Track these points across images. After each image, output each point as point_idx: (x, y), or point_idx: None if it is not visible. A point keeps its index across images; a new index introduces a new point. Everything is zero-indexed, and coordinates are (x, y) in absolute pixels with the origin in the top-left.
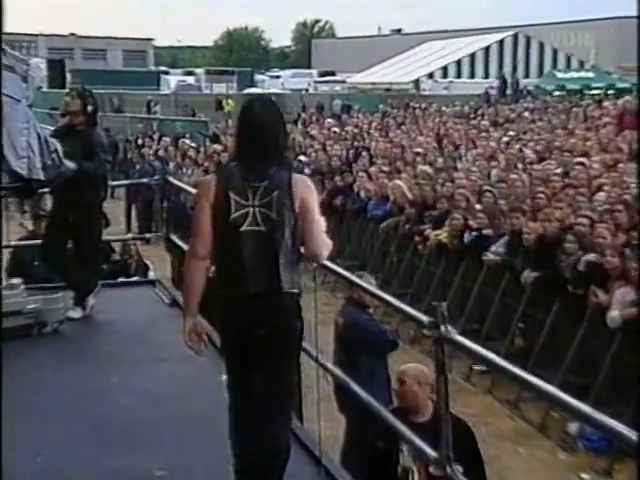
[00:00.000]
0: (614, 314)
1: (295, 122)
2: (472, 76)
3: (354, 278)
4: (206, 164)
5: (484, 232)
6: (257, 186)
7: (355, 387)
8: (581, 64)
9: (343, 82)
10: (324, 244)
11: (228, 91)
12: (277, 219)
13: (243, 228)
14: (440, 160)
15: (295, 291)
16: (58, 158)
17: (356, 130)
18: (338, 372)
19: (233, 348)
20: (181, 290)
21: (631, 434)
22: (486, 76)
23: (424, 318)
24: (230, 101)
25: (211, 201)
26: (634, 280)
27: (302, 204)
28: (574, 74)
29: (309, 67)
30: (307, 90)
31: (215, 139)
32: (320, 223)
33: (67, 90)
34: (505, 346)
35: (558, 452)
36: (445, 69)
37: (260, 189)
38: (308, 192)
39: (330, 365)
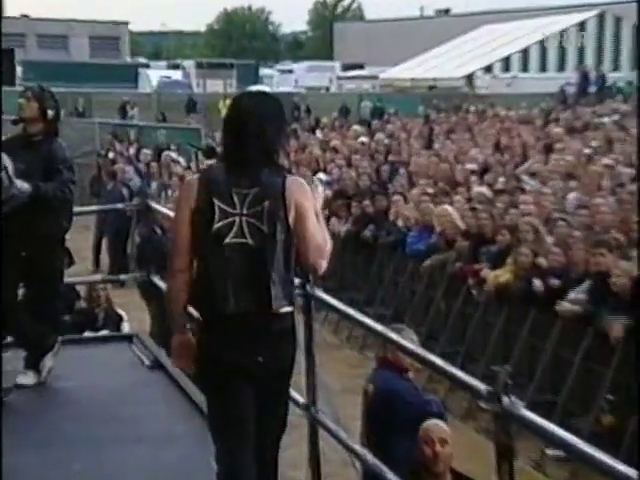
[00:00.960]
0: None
1: (312, 130)
2: (543, 69)
3: (389, 332)
4: None
5: (558, 273)
6: (245, 193)
7: (391, 476)
8: None
9: (374, 78)
10: (322, 253)
11: (226, 90)
12: (268, 232)
13: (227, 240)
14: (501, 180)
15: (289, 309)
16: (8, 178)
17: (391, 140)
18: (369, 456)
19: (219, 382)
20: (167, 308)
21: None
22: (561, 69)
23: (481, 386)
24: (229, 102)
25: (192, 206)
26: None
27: (297, 212)
28: None
29: (330, 59)
30: (328, 89)
31: (209, 152)
32: (317, 230)
33: (18, 89)
34: (589, 424)
35: None
36: (507, 61)
37: (249, 196)
38: (303, 197)
39: (358, 447)
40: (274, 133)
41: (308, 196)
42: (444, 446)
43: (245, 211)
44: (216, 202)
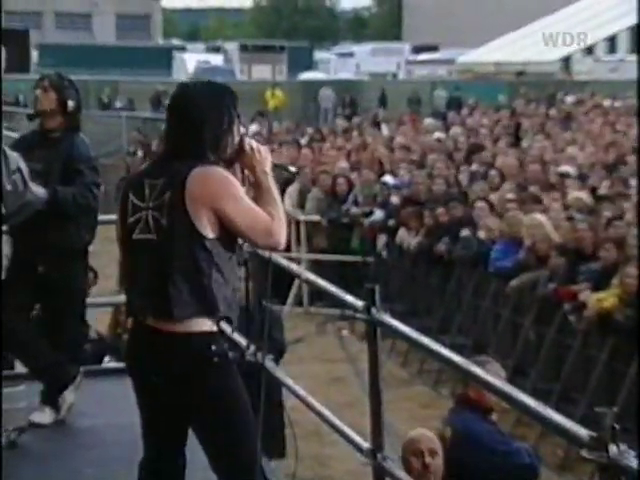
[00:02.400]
0: None
1: (376, 124)
2: None
3: (469, 365)
4: (244, 187)
5: None
6: (154, 184)
7: None
8: None
9: (450, 62)
10: (266, 232)
11: (275, 77)
12: (166, 225)
13: (134, 236)
14: (605, 184)
15: (203, 323)
16: (22, 181)
17: (471, 137)
18: None
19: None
20: None
21: None
22: None
23: (582, 432)
24: (278, 92)
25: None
26: None
27: (207, 204)
28: None
29: (399, 39)
30: (395, 75)
31: None
32: (243, 213)
33: (34, 77)
34: None
35: None
36: (613, 41)
37: (156, 187)
38: (204, 186)
39: None
40: (208, 125)
41: (214, 184)
42: (434, 457)
43: (151, 204)
44: (130, 195)
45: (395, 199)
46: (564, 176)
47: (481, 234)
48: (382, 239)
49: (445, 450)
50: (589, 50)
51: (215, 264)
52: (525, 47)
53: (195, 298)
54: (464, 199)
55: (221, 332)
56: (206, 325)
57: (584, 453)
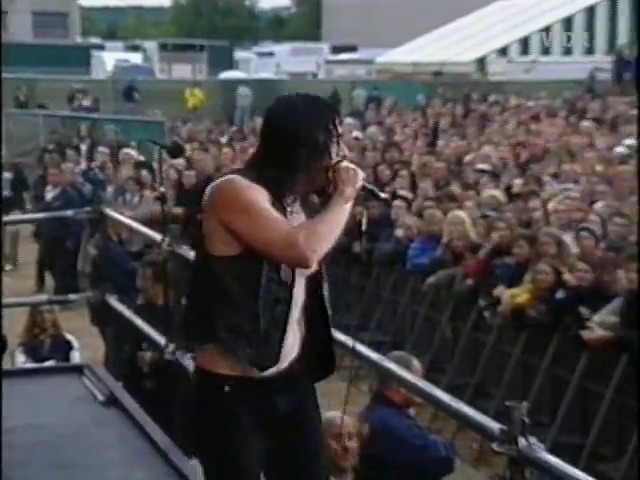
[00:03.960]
0: None
1: None
2: (567, 52)
3: (386, 362)
4: (162, 188)
5: (585, 293)
6: None
7: None
8: None
9: (369, 62)
10: (288, 245)
11: (195, 76)
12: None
13: None
14: (518, 182)
15: (202, 359)
16: None
17: (389, 136)
18: None
19: None
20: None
21: None
22: (590, 52)
23: (493, 426)
24: (197, 91)
25: None
26: None
27: (213, 216)
28: None
29: (318, 39)
30: (315, 75)
31: (175, 151)
32: (262, 227)
33: None
34: (622, 471)
35: None
36: (526, 42)
37: None
38: (213, 197)
39: None
40: (305, 145)
41: (226, 195)
42: (353, 440)
43: None
44: None
45: (315, 197)
46: (479, 174)
47: (399, 232)
48: None
49: (362, 447)
50: (503, 51)
51: (218, 286)
52: (442, 48)
53: (196, 324)
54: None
55: (236, 378)
56: (209, 361)
57: (495, 446)
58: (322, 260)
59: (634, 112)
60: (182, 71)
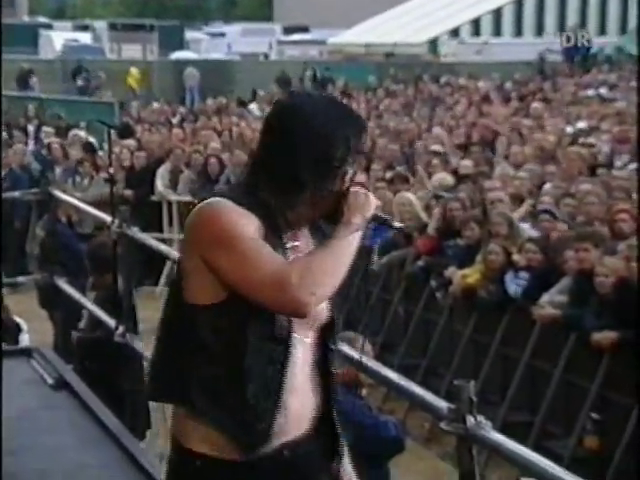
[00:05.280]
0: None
1: (242, 104)
2: (519, 34)
3: (338, 343)
4: (111, 170)
5: (536, 273)
6: None
7: None
8: None
9: (321, 43)
10: (278, 284)
11: (145, 56)
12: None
13: None
14: (468, 163)
15: (180, 435)
16: None
17: None
18: None
19: None
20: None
21: None
22: (540, 33)
23: (442, 405)
24: (134, 71)
25: None
26: None
27: (192, 251)
28: None
29: (269, 20)
30: (267, 55)
31: (125, 132)
32: (253, 260)
33: None
34: (571, 448)
35: None
36: (477, 23)
37: None
38: (192, 229)
39: None
40: (263, 150)
41: (206, 226)
42: None
43: None
44: None
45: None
46: (430, 156)
47: None
48: None
49: None
50: (454, 32)
51: (195, 338)
52: (393, 29)
53: (164, 378)
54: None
55: (219, 460)
56: (182, 427)
57: (443, 425)
58: (332, 306)
59: (584, 93)
60: (132, 51)
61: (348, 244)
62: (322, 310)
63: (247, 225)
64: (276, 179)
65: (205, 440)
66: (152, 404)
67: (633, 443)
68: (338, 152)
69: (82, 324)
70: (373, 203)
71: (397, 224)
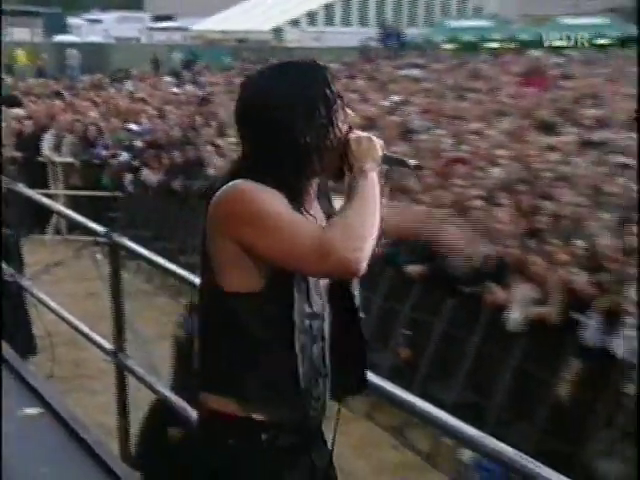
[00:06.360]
0: (514, 316)
1: (119, 80)
2: (347, 24)
3: (195, 279)
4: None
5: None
6: None
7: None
8: (476, 11)
9: (185, 30)
10: (320, 251)
11: (33, 39)
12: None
13: None
14: None
15: (217, 404)
16: None
17: (202, 91)
18: (173, 398)
19: None
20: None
21: (532, 464)
22: (363, 24)
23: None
24: (20, 51)
25: None
26: (536, 275)
27: (221, 236)
28: (469, 23)
29: (140, 9)
30: (138, 40)
31: (12, 102)
32: (288, 229)
33: None
34: (389, 359)
35: None
36: (313, 15)
37: None
38: (217, 212)
39: (166, 391)
40: (303, 128)
41: (231, 206)
42: None
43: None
44: None
45: (139, 143)
46: None
47: (210, 171)
48: (128, 177)
49: (179, 351)
50: (295, 22)
51: (241, 327)
52: (246, 19)
53: (215, 371)
54: (196, 143)
55: (274, 424)
56: (236, 407)
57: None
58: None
59: (399, 73)
60: (22, 34)
61: (372, 191)
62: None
63: (277, 199)
64: (281, 158)
65: (266, 413)
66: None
67: (436, 353)
68: (321, 109)
69: None
70: (378, 144)
71: (412, 161)
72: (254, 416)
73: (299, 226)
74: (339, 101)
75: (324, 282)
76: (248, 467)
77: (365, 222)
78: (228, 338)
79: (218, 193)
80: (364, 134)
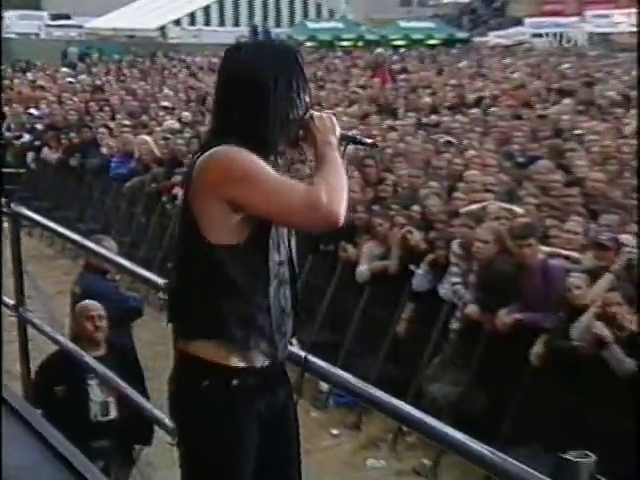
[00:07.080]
0: (362, 269)
1: (21, 71)
2: (222, 24)
3: (88, 243)
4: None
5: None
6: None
7: (88, 359)
8: (331, 14)
9: (80, 27)
10: (310, 204)
11: None
12: (178, 229)
13: None
14: (188, 114)
15: (200, 350)
16: None
17: (95, 81)
18: (70, 345)
19: None
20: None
21: (372, 389)
22: (236, 24)
23: (159, 281)
24: None
25: None
26: (380, 235)
27: (210, 195)
28: (325, 24)
29: (39, 9)
30: (38, 35)
31: None
32: (276, 185)
33: None
34: (377, 366)
35: (311, 411)
36: (193, 16)
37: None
38: (206, 173)
39: (63, 339)
40: (278, 97)
41: (221, 167)
42: (102, 320)
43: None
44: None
45: (39, 126)
46: (162, 110)
47: (103, 150)
48: (30, 156)
49: (75, 303)
50: (177, 22)
51: (225, 276)
52: (135, 17)
53: (198, 317)
54: (90, 125)
55: (246, 369)
56: (215, 352)
57: (161, 295)
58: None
59: None
60: None
61: (340, 159)
62: None
63: (262, 162)
64: (253, 121)
65: (239, 358)
66: None
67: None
68: (294, 84)
69: None
70: (336, 124)
71: (368, 140)
72: (229, 362)
73: (287, 184)
74: (306, 84)
75: (285, 232)
76: (216, 405)
77: (341, 182)
78: (213, 285)
79: (203, 158)
80: (325, 114)
